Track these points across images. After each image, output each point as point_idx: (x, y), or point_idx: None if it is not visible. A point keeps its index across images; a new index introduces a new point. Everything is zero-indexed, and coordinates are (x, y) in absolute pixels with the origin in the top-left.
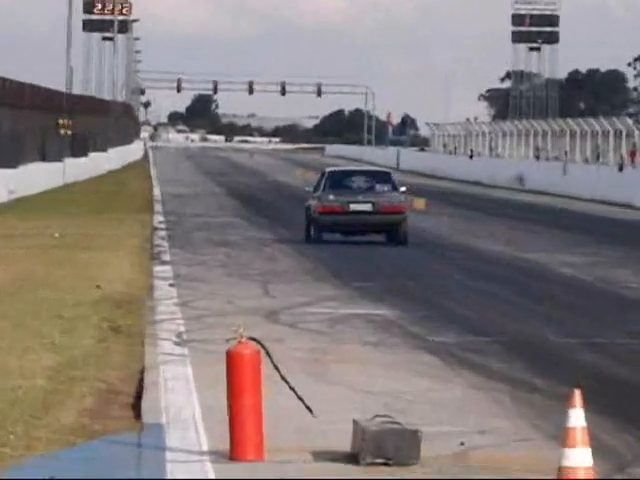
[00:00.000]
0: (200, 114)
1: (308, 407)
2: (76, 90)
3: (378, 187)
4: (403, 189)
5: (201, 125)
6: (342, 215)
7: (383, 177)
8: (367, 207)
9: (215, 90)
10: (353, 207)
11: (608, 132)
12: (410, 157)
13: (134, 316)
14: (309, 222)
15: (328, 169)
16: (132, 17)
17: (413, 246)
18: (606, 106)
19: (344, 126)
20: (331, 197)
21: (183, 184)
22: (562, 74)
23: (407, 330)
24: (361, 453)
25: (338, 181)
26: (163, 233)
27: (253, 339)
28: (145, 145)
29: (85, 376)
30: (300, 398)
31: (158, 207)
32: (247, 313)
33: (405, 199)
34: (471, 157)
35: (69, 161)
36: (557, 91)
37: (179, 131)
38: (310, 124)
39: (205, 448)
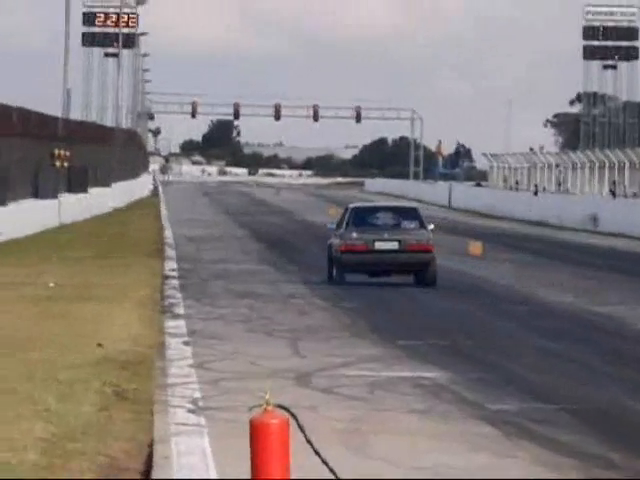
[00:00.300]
0: (219, 143)
1: None
2: (74, 115)
3: (405, 224)
4: (431, 227)
5: (220, 156)
6: (367, 254)
7: (410, 213)
8: (393, 245)
9: (236, 115)
10: (378, 245)
11: None
12: (464, 193)
13: (142, 379)
14: (331, 262)
15: (351, 205)
16: (139, 30)
17: (468, 298)
18: None
19: (387, 157)
20: (355, 235)
21: (199, 225)
22: None
23: (461, 396)
24: None
25: (362, 218)
26: (176, 282)
27: (281, 407)
28: (155, 179)
29: (85, 449)
30: (332, 470)
31: (170, 252)
32: (274, 376)
33: (433, 237)
34: (535, 193)
35: (66, 198)
36: (636, 116)
37: (194, 163)
38: (347, 155)
39: None
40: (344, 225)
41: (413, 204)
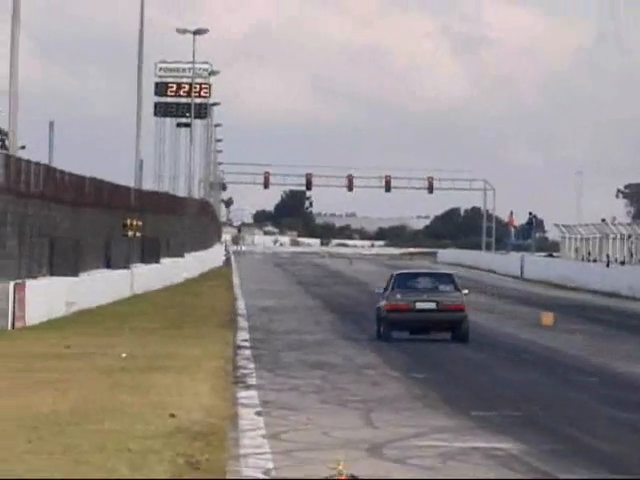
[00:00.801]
0: (291, 213)
1: None
2: (146, 185)
3: (441, 287)
4: (466, 291)
5: (292, 226)
6: (409, 312)
7: (446, 279)
8: (432, 305)
9: (308, 186)
10: (419, 305)
11: None
12: (536, 264)
13: (214, 450)
14: (379, 321)
15: (396, 272)
16: (212, 100)
17: (540, 369)
18: None
19: (459, 227)
20: (399, 296)
21: (271, 295)
22: None
23: (533, 466)
24: None
25: (405, 282)
26: (248, 353)
27: (355, 478)
28: (227, 249)
29: None
30: None
31: (242, 322)
32: (346, 447)
33: (466, 299)
34: (608, 265)
35: (138, 268)
36: None
37: (266, 233)
38: (420, 225)
39: None
40: (389, 288)
41: (450, 271)
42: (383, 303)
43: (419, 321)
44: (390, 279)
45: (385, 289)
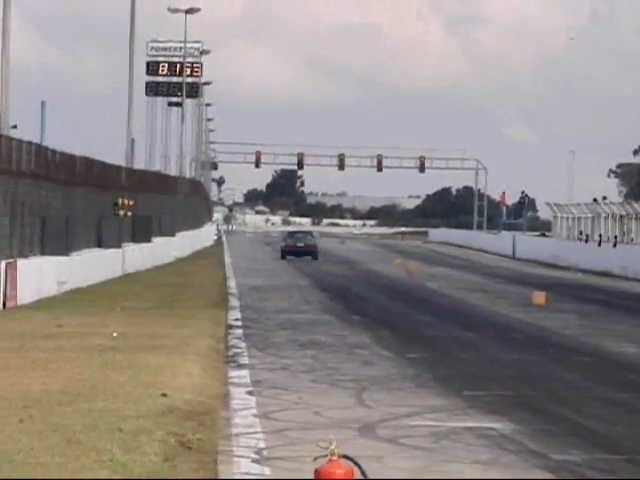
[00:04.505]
0: (282, 193)
1: None
2: (138, 164)
3: (307, 237)
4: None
5: (284, 205)
6: (293, 247)
7: (309, 234)
8: (302, 244)
9: (300, 165)
10: (297, 244)
11: None
12: (528, 243)
13: (206, 429)
14: (282, 251)
15: (287, 230)
16: (203, 80)
17: (532, 348)
18: None
19: (450, 207)
20: (289, 240)
21: (262, 274)
22: None
23: (525, 446)
24: None
25: (292, 235)
26: (239, 332)
27: (346, 457)
28: (218, 229)
29: None
30: None
31: (234, 301)
32: (338, 426)
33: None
34: (599, 244)
35: (129, 247)
36: None
37: (258, 212)
38: (411, 204)
39: None
40: (285, 239)
41: (309, 229)
42: (283, 243)
43: (297, 252)
44: (286, 235)
45: (284, 239)
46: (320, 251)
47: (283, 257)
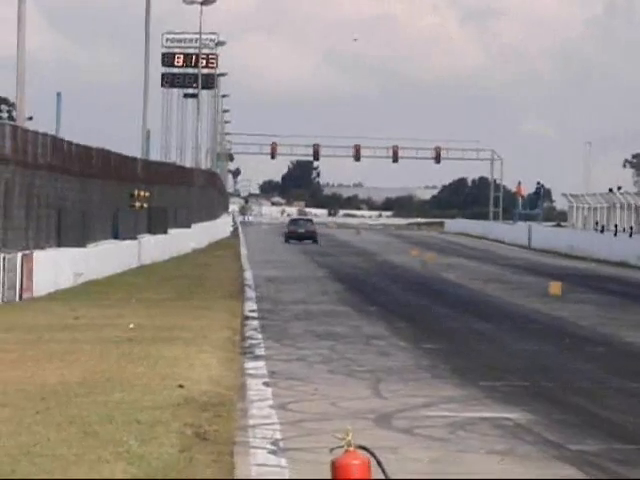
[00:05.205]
0: (298, 184)
1: None
2: (154, 155)
3: (307, 224)
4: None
5: (299, 197)
6: (295, 233)
7: (310, 221)
8: (303, 230)
9: (316, 156)
10: (298, 230)
11: None
12: (544, 234)
13: (222, 420)
14: (285, 235)
15: (290, 218)
16: (219, 71)
17: (548, 339)
18: None
19: (466, 197)
20: (292, 227)
21: (279, 266)
22: None
23: (541, 437)
24: None
25: (294, 222)
26: (256, 323)
27: (362, 447)
28: (234, 220)
29: None
30: None
31: (250, 293)
32: (354, 417)
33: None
34: (615, 234)
35: (145, 239)
36: None
37: (274, 203)
38: (427, 195)
39: None
40: (288, 225)
41: (311, 217)
42: (286, 230)
43: (298, 237)
44: (289, 221)
45: (287, 226)
46: (336, 242)
47: (287, 241)
